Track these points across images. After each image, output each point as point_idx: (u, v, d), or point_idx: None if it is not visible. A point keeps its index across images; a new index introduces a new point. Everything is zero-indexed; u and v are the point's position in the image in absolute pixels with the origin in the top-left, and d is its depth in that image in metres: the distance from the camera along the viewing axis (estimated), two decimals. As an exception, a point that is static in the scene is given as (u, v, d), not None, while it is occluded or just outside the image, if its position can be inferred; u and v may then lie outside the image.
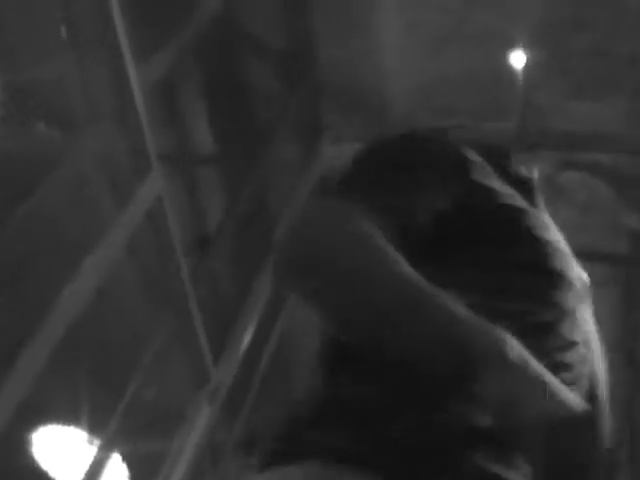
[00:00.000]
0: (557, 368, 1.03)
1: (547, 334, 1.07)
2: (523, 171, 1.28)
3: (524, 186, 1.24)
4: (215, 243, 3.96)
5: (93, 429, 3.12)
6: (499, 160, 1.23)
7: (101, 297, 2.80)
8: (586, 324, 1.18)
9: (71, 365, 2.90)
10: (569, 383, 1.03)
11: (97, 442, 3.11)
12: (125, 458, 3.36)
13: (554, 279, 1.12)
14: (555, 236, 1.19)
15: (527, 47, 4.28)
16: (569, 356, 1.09)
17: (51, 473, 3.24)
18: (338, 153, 4.84)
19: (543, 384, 0.92)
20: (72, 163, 2.90)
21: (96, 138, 2.99)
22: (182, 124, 4.88)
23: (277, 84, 4.77)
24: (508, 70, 4.35)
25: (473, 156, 1.17)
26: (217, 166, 4.98)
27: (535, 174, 1.33)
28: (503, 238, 1.11)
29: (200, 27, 3.83)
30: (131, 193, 2.96)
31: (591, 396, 1.10)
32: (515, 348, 0.92)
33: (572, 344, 1.10)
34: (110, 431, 3.09)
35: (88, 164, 3.03)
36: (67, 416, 3.08)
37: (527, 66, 4.30)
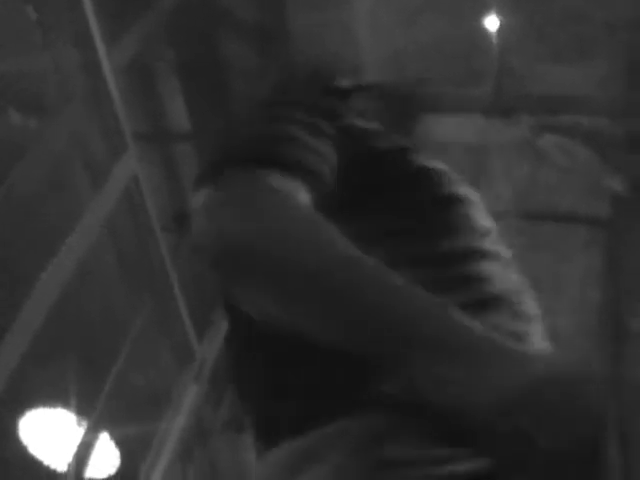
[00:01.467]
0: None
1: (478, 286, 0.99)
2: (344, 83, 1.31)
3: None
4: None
5: (80, 411, 3.11)
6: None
7: (81, 278, 2.78)
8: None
9: (54, 348, 2.89)
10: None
11: (85, 424, 3.11)
12: (113, 439, 3.36)
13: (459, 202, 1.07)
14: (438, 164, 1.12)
15: (502, 12, 4.25)
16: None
17: (40, 456, 3.24)
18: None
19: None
20: (47, 146, 2.87)
21: (70, 120, 2.97)
22: (157, 102, 4.84)
23: (251, 58, 4.74)
24: (483, 36, 4.33)
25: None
26: (195, 143, 4.94)
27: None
28: (397, 182, 1.06)
29: (170, 4, 3.80)
30: (107, 173, 2.94)
31: None
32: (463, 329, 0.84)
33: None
34: (97, 412, 3.09)
35: (63, 146, 3.01)
36: (53, 398, 3.07)
37: (502, 31, 4.28)
